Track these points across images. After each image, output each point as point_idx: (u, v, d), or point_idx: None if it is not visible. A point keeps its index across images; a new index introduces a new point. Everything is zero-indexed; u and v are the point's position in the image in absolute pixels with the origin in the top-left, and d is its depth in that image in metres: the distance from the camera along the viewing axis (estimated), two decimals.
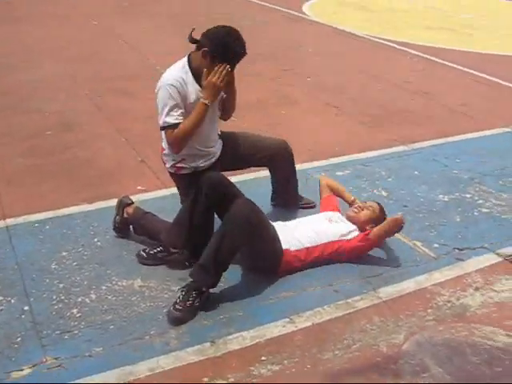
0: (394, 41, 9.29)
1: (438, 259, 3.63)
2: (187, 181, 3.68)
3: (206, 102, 3.44)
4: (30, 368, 2.73)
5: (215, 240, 3.16)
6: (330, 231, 3.52)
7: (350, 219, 3.67)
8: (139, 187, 4.46)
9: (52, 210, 4.13)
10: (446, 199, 4.37)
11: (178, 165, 3.69)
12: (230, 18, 10.27)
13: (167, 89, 3.44)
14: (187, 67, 3.51)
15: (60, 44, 8.83)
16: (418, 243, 3.79)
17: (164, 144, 3.68)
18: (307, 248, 3.44)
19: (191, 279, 3.16)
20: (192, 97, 3.49)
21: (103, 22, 10.35)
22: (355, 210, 3.70)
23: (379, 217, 3.67)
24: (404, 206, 4.24)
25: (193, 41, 3.47)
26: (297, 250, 3.41)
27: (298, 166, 4.81)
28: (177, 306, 3.06)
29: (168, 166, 3.75)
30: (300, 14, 11.31)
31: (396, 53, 8.74)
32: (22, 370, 2.72)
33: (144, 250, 3.54)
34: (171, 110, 3.45)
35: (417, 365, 2.78)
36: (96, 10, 11.37)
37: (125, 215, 3.75)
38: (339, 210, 3.84)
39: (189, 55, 3.56)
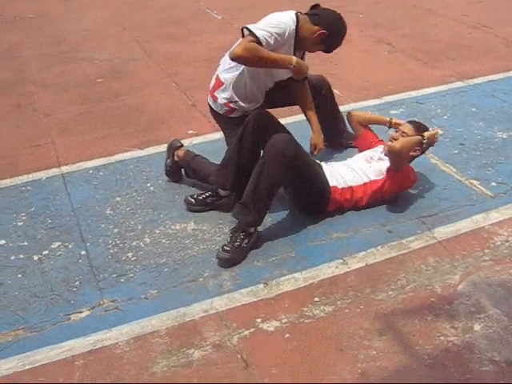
0: None
1: (496, 198, 3.52)
2: (234, 124, 3.62)
3: (292, 65, 3.36)
4: (88, 310, 2.80)
5: (253, 176, 3.13)
6: (369, 171, 3.43)
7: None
8: (190, 131, 4.45)
9: (105, 156, 4.19)
10: (504, 136, 4.21)
11: (232, 105, 3.59)
12: None
13: (282, 19, 3.35)
14: (294, 29, 3.41)
15: None
16: (475, 182, 3.68)
17: (227, 79, 3.54)
18: (351, 187, 3.38)
19: (235, 219, 3.16)
20: (281, 50, 3.39)
21: None
22: (390, 142, 3.48)
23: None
24: (460, 144, 4.11)
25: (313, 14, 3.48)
26: (343, 189, 3.36)
27: (351, 105, 4.76)
28: (225, 247, 3.07)
29: (220, 103, 3.60)
30: None
31: None
32: (80, 312, 2.80)
33: (192, 196, 3.53)
34: (269, 30, 3.29)
35: (472, 305, 2.73)
36: None
37: (175, 158, 3.75)
38: (379, 142, 3.72)
39: (297, 16, 3.45)
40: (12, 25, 7.36)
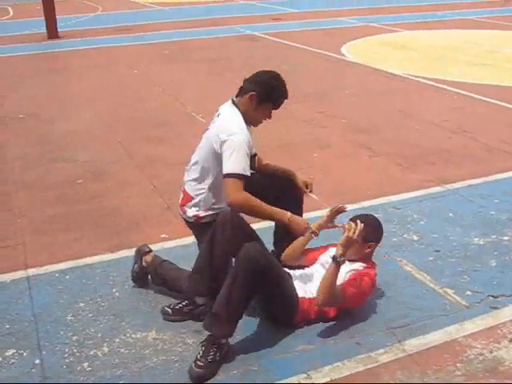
0: (433, 79, 9.16)
1: (471, 308, 3.42)
2: (206, 227, 3.56)
3: (287, 219, 3.37)
4: None
5: (225, 286, 3.05)
6: None
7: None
8: (163, 235, 4.40)
9: (74, 259, 4.10)
10: (481, 242, 4.16)
11: (202, 215, 3.58)
12: (268, 62, 10.40)
13: (237, 139, 3.32)
14: (240, 114, 3.49)
15: (99, 94, 9.00)
16: (449, 290, 3.59)
17: (194, 193, 3.55)
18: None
19: (207, 331, 3.05)
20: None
21: (143, 70, 10.54)
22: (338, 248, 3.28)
23: (368, 239, 3.37)
24: (435, 251, 4.05)
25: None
26: (310, 299, 3.25)
27: (327, 210, 4.71)
28: (198, 363, 2.94)
29: (190, 215, 3.61)
30: (339, 56, 11.29)
31: (435, 91, 8.59)
32: None
33: (169, 306, 3.42)
34: (244, 158, 3.31)
35: None
36: (137, 59, 11.60)
37: (143, 264, 3.68)
38: (326, 248, 3.58)
39: (233, 102, 3.54)
40: (2, 124, 7.46)
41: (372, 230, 3.43)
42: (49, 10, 14.27)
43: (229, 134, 3.35)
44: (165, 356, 3.07)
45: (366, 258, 3.44)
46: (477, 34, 13.58)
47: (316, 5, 20.52)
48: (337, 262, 3.14)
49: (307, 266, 3.58)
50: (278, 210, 3.39)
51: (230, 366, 2.99)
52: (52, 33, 14.31)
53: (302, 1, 22.26)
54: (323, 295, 3.14)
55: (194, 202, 3.58)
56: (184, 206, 3.65)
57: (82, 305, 3.56)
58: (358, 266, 3.36)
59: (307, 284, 3.31)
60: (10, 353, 3.15)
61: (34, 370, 3.01)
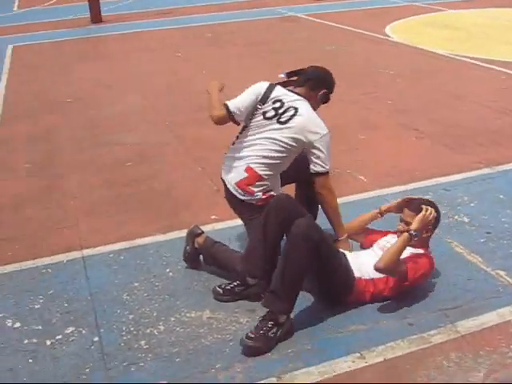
0: (478, 58, 8.98)
1: None
2: (260, 210, 3.56)
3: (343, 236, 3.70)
4: None
5: (279, 263, 3.12)
6: None
7: None
8: (213, 216, 4.46)
9: (127, 240, 4.20)
10: None
11: (270, 193, 3.59)
12: (311, 44, 10.36)
13: (329, 137, 3.63)
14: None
15: (144, 77, 9.09)
16: (501, 272, 3.56)
17: (264, 173, 3.55)
18: (373, 279, 3.29)
19: (266, 308, 3.10)
20: None
21: (187, 53, 10.59)
22: (396, 235, 3.42)
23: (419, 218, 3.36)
24: (487, 233, 4.01)
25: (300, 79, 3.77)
26: (367, 281, 3.28)
27: (376, 192, 4.73)
28: (249, 334, 2.99)
29: (257, 196, 3.57)
30: (383, 36, 11.15)
31: (481, 71, 8.43)
32: None
33: (220, 286, 3.48)
34: (328, 150, 3.62)
35: None
36: (181, 43, 11.66)
37: (195, 245, 3.74)
38: (387, 234, 3.62)
39: (305, 99, 3.69)
40: (51, 108, 7.62)
41: None
42: None
43: (324, 130, 3.61)
44: (219, 335, 3.14)
45: (424, 243, 3.45)
46: None
47: None
48: (410, 235, 3.23)
49: (363, 247, 3.63)
50: (342, 224, 3.71)
51: (283, 344, 3.03)
52: (96, 17, 14.46)
53: None
54: (386, 258, 3.19)
55: (262, 182, 3.57)
56: (251, 185, 3.58)
57: (136, 284, 3.65)
58: (417, 250, 3.38)
59: (364, 265, 3.33)
60: (70, 330, 3.26)
61: (92, 347, 3.11)
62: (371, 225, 3.80)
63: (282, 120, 3.59)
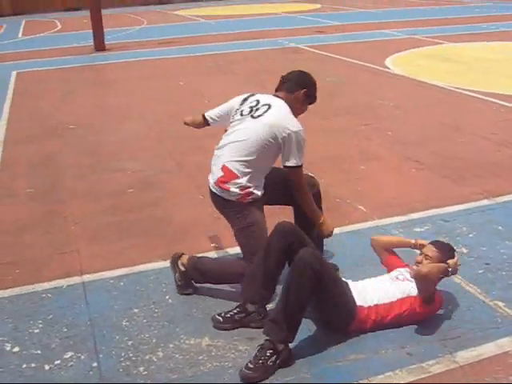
0: (478, 91, 9.07)
1: None
2: (245, 208, 3.65)
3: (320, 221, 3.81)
4: None
5: (282, 292, 3.14)
6: (396, 291, 3.39)
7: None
8: (213, 244, 4.48)
9: (128, 266, 4.22)
10: None
11: (248, 190, 3.63)
12: (312, 74, 10.46)
13: (302, 134, 3.66)
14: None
15: (147, 105, 9.20)
16: (500, 303, 3.58)
17: (240, 171, 3.62)
18: (377, 306, 3.32)
19: (265, 336, 3.11)
20: None
21: (189, 82, 10.72)
22: (415, 266, 3.48)
23: (441, 260, 3.44)
24: (485, 264, 4.03)
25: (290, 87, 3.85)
26: (369, 308, 3.30)
27: (375, 222, 4.76)
28: (249, 365, 3.00)
29: (233, 192, 3.62)
30: (382, 68, 11.29)
31: (481, 103, 8.52)
32: None
33: (219, 314, 3.49)
34: (302, 153, 3.69)
35: None
36: (183, 71, 11.80)
37: (182, 268, 3.75)
38: (405, 265, 3.67)
39: (282, 99, 3.79)
40: (54, 134, 7.69)
41: (448, 256, 3.50)
42: (97, 23, 14.63)
43: (296, 127, 3.64)
44: (218, 362, 3.14)
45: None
46: None
47: (359, 17, 20.54)
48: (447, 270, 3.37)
49: (382, 263, 3.74)
50: (317, 210, 3.85)
51: (282, 372, 3.04)
52: (99, 45, 14.66)
53: (346, 13, 22.33)
54: (432, 269, 3.31)
55: (239, 180, 3.63)
56: (226, 183, 3.65)
57: (136, 311, 3.66)
58: None
59: (369, 293, 3.36)
60: (69, 355, 3.26)
61: (91, 373, 3.12)
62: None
63: (254, 115, 3.72)
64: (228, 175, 3.66)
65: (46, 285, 4.02)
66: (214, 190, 3.75)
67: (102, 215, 5.16)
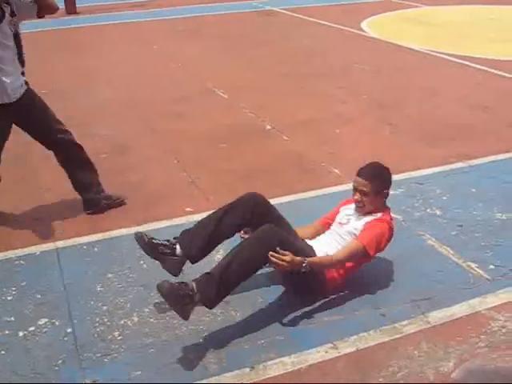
0: (454, 55, 9.06)
1: (493, 281, 3.46)
2: None
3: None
4: None
5: (230, 255, 3.07)
6: (347, 231, 3.40)
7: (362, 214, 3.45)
8: (188, 209, 4.46)
9: (101, 232, 4.18)
10: (503, 217, 4.18)
11: None
12: (287, 38, 10.37)
13: None
14: None
15: (119, 69, 9.06)
16: (472, 264, 3.62)
17: None
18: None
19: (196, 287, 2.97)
20: None
21: (161, 46, 10.54)
22: (357, 207, 3.45)
23: (379, 190, 3.40)
24: (458, 226, 4.07)
25: None
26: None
27: (349, 185, 4.74)
28: (169, 284, 2.93)
29: None
30: (358, 31, 11.20)
31: (456, 67, 8.52)
32: None
33: (147, 236, 3.31)
34: None
35: None
36: (155, 35, 11.60)
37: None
38: (337, 211, 3.64)
39: None
40: None
41: (380, 181, 3.44)
42: None
43: None
44: (193, 326, 3.14)
45: (381, 206, 3.47)
46: (498, 9, 13.37)
47: None
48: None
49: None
50: None
51: (256, 335, 3.05)
52: (70, 8, 14.30)
53: None
54: (342, 257, 3.25)
55: None
56: None
57: (110, 276, 3.64)
58: (371, 217, 3.39)
59: (330, 249, 3.35)
60: (43, 322, 3.24)
61: (66, 338, 3.10)
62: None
63: None
64: None
65: (19, 252, 3.97)
66: None
67: None
